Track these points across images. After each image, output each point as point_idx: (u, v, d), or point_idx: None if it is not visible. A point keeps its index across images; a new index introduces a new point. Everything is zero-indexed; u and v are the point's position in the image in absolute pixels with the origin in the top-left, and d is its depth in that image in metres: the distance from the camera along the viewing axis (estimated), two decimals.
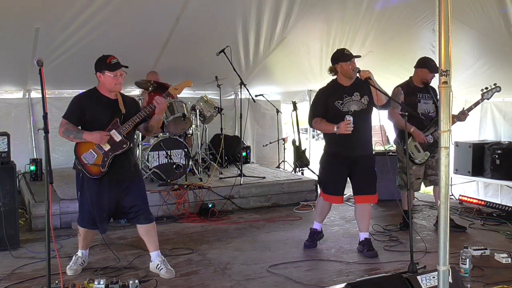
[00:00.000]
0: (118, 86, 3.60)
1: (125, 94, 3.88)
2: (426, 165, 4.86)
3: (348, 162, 4.22)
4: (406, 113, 3.66)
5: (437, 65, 4.97)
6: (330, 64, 4.26)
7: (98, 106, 3.59)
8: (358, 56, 4.16)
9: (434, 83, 4.91)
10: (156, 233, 3.81)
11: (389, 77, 5.95)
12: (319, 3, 5.76)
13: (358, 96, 4.13)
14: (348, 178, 4.33)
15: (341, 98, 4.14)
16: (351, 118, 3.98)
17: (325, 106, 4.20)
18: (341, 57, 4.15)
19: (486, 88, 4.72)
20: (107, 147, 3.54)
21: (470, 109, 4.79)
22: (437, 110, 4.84)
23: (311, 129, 10.40)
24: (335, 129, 4.02)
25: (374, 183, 4.29)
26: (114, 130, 3.56)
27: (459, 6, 4.71)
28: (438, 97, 4.85)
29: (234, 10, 5.86)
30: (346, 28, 6.16)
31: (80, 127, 3.59)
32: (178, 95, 6.66)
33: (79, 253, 3.83)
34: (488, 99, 4.74)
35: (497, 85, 4.69)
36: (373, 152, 4.36)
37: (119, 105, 3.63)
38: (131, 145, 3.66)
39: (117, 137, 3.56)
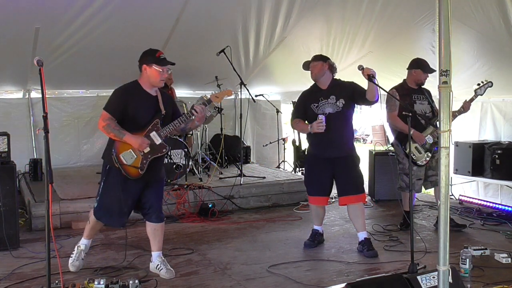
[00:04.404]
0: (162, 82, 3.59)
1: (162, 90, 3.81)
2: (427, 165, 4.86)
3: (328, 163, 4.30)
4: (410, 114, 3.66)
5: (432, 65, 5.01)
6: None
7: (141, 103, 3.55)
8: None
9: (428, 84, 4.95)
10: (162, 234, 3.82)
11: (389, 77, 5.94)
12: (319, 3, 5.75)
13: (334, 99, 4.25)
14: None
15: (317, 101, 4.30)
16: (323, 117, 4.12)
17: (303, 108, 4.38)
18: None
19: (479, 84, 4.77)
20: (147, 150, 3.51)
21: (471, 100, 4.79)
22: (433, 111, 4.87)
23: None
24: (309, 128, 4.20)
25: (357, 183, 4.32)
26: (154, 132, 3.53)
27: (459, 6, 4.71)
28: (432, 97, 4.94)
29: (234, 10, 5.86)
30: (346, 28, 6.15)
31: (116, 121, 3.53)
32: (177, 96, 6.68)
33: (82, 244, 3.80)
34: (481, 94, 4.79)
35: (488, 80, 4.74)
36: (355, 153, 4.40)
37: (159, 104, 3.61)
38: (170, 148, 3.65)
39: (157, 140, 3.54)
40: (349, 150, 4.34)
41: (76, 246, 3.84)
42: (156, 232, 3.77)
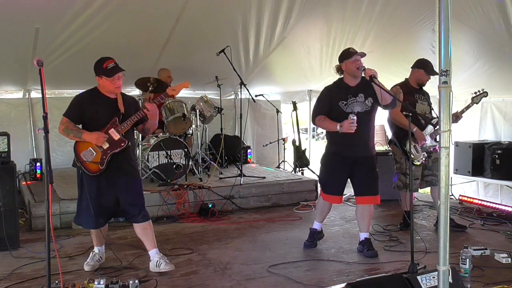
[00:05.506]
0: (117, 89, 3.67)
1: (126, 93, 3.91)
2: (423, 165, 4.85)
3: (349, 162, 4.21)
4: (410, 114, 3.65)
5: (435, 67, 5.03)
6: (332, 64, 4.28)
7: (98, 106, 3.65)
8: (363, 54, 4.13)
9: (428, 84, 4.95)
10: (153, 231, 3.83)
11: (389, 77, 5.94)
12: (319, 3, 5.76)
13: (363, 98, 4.12)
14: (349, 179, 4.32)
15: (346, 99, 4.12)
16: (355, 117, 3.95)
17: (329, 105, 4.18)
18: (346, 55, 4.15)
19: (475, 92, 4.90)
20: (105, 145, 3.59)
21: (462, 112, 4.88)
22: (431, 113, 4.88)
23: (312, 128, 10.51)
24: (338, 128, 4.01)
25: (375, 184, 4.27)
26: (112, 129, 3.61)
27: (459, 6, 4.71)
28: (430, 99, 4.95)
29: (234, 10, 5.86)
30: (346, 28, 6.15)
31: (80, 126, 3.65)
32: (176, 96, 6.67)
33: (95, 249, 3.89)
34: (477, 103, 4.94)
35: (484, 90, 4.88)
36: (375, 152, 4.34)
37: (118, 105, 3.68)
38: (129, 143, 3.69)
39: (116, 136, 3.61)
40: (372, 150, 4.27)
41: (91, 251, 3.93)
42: (146, 231, 3.78)
